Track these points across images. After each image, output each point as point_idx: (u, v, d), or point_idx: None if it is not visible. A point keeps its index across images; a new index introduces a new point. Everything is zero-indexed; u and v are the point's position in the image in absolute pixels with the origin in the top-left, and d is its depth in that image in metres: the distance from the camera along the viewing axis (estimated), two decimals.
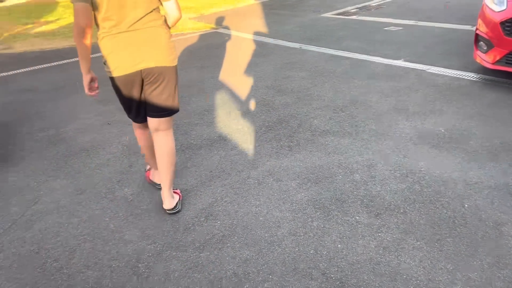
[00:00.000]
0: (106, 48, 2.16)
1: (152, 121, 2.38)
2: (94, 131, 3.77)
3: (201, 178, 2.88)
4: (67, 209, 2.64)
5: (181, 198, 2.61)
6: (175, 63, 2.29)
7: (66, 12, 10.30)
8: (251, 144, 3.30)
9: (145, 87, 2.30)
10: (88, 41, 2.09)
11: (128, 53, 2.16)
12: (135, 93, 2.31)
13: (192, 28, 7.88)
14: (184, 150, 3.29)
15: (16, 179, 3.05)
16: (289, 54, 5.70)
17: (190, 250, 2.20)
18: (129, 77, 2.21)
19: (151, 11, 2.17)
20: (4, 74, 5.73)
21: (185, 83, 4.84)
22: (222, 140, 3.40)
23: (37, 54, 6.75)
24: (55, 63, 6.15)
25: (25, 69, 5.90)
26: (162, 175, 2.47)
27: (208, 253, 2.17)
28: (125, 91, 2.29)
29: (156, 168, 2.71)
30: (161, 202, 2.61)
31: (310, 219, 2.37)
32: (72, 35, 7.68)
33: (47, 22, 9.11)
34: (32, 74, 5.66)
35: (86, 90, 2.25)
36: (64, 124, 3.97)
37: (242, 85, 4.63)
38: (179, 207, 2.54)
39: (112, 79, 2.26)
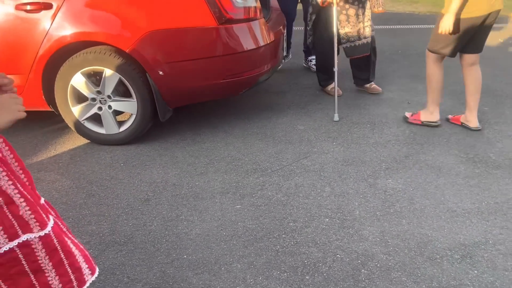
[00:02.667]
0: None
1: (471, 57, 2.93)
2: (391, 106, 3.57)
3: (480, 205, 2.29)
4: (327, 176, 2.63)
5: None
6: None
7: None
8: None
9: (483, 28, 2.80)
10: None
11: None
12: (473, 32, 2.79)
13: None
14: (476, 163, 2.68)
15: (302, 129, 3.25)
16: None
17: (424, 286, 1.81)
18: (481, 18, 2.73)
19: None
20: None
21: None
22: None
23: (390, 15, 6.78)
24: (393, 26, 6.10)
25: None
26: (472, 100, 2.99)
27: None
28: (469, 31, 2.77)
29: (437, 104, 3.13)
30: (420, 211, 2.25)
31: None
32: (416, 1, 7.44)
33: None
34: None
35: None
36: None
37: None
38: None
39: (464, 20, 2.72)
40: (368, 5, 3.46)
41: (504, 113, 3.34)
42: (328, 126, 3.28)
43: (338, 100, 3.41)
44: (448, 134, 3.07)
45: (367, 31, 3.52)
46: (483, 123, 3.17)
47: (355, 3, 3.42)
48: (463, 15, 2.74)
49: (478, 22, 2.75)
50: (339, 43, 3.51)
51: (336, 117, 3.36)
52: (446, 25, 2.74)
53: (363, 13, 3.46)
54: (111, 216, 2.31)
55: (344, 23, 3.46)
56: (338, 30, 3.45)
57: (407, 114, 3.29)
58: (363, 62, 3.70)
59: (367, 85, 3.79)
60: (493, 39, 5.29)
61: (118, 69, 2.81)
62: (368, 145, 2.98)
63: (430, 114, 3.14)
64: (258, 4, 3.00)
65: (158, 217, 2.30)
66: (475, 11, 2.71)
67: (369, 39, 3.54)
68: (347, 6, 3.41)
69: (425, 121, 3.16)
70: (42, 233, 1.25)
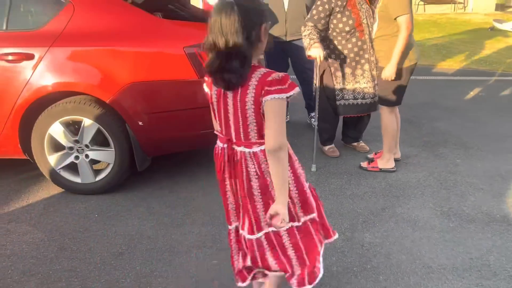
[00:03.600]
0: (412, 43, 3.05)
1: None
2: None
3: (455, 261, 2.31)
4: None
5: None
6: None
7: None
8: None
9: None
10: None
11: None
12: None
13: None
14: (450, 216, 2.73)
15: None
16: None
17: None
18: (414, 66, 3.14)
19: None
20: None
21: (490, 134, 4.06)
22: (506, 223, 2.65)
23: None
24: None
25: None
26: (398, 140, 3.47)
27: None
28: (410, 77, 3.15)
29: (393, 152, 3.39)
30: (396, 267, 2.25)
31: None
32: None
33: None
34: None
35: None
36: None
37: None
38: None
39: (408, 68, 3.07)
40: (367, 67, 3.37)
41: (476, 166, 3.44)
42: (306, 176, 3.29)
43: (316, 150, 3.47)
44: (423, 186, 3.13)
45: (367, 92, 3.43)
46: (456, 175, 3.26)
47: (352, 64, 3.36)
48: (406, 64, 3.05)
49: (413, 69, 3.14)
50: (334, 100, 3.49)
51: (313, 168, 3.40)
52: (389, 73, 3.03)
53: (362, 74, 3.39)
54: (83, 272, 2.24)
55: (340, 79, 3.42)
56: (335, 86, 3.44)
57: (363, 164, 3.44)
58: (355, 122, 3.70)
59: (355, 144, 3.81)
60: (466, 92, 5.52)
61: (98, 119, 2.82)
62: (345, 196, 3.01)
63: (387, 162, 3.35)
64: None
65: (131, 273, 2.24)
66: (414, 59, 3.08)
67: (368, 101, 3.46)
68: (344, 64, 3.37)
69: (383, 168, 3.35)
70: (312, 216, 1.81)
